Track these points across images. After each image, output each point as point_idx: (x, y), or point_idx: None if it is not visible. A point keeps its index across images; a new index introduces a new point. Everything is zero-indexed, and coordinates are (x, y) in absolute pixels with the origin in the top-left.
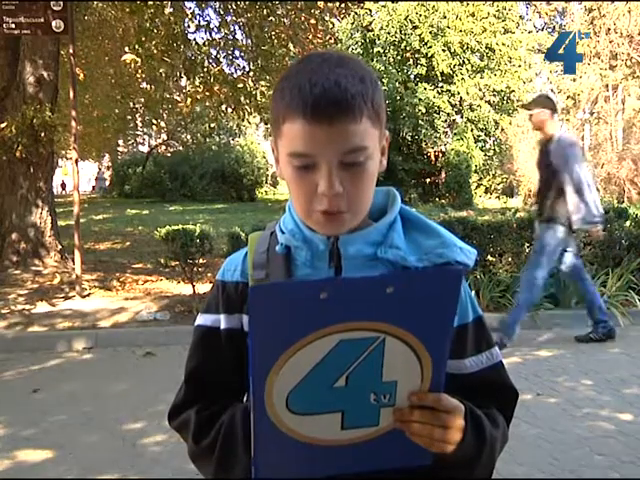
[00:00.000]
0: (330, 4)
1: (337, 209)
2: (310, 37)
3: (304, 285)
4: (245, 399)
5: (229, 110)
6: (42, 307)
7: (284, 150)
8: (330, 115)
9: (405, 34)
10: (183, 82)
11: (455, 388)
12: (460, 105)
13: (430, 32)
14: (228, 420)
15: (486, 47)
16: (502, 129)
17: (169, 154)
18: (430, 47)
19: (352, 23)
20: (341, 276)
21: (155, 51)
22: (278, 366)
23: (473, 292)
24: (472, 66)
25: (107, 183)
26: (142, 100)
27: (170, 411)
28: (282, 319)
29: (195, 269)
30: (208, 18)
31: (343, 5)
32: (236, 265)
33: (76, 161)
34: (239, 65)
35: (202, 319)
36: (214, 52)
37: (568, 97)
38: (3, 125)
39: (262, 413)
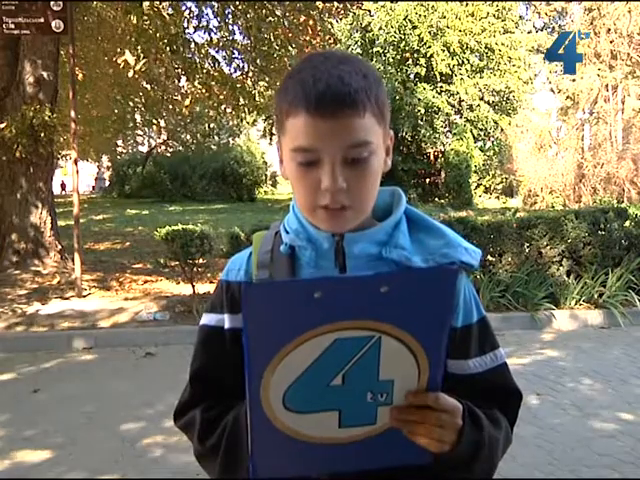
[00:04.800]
0: (329, 4)
1: (340, 205)
2: (309, 38)
3: (298, 284)
4: None
5: (228, 110)
6: (42, 307)
7: (287, 146)
8: (333, 109)
9: (404, 34)
10: (182, 82)
11: (459, 389)
12: (459, 105)
13: (429, 32)
14: (232, 420)
15: (485, 47)
16: (501, 129)
17: (169, 154)
18: (429, 47)
19: (351, 23)
20: (334, 275)
21: (154, 52)
22: (273, 365)
23: None
24: (471, 66)
25: (107, 183)
26: (142, 100)
27: (175, 411)
28: (276, 318)
29: (195, 269)
30: (207, 18)
31: (342, 5)
32: (240, 265)
33: (76, 161)
34: (238, 65)
35: (206, 319)
36: (213, 52)
37: (568, 97)
38: (3, 125)
39: (258, 411)
